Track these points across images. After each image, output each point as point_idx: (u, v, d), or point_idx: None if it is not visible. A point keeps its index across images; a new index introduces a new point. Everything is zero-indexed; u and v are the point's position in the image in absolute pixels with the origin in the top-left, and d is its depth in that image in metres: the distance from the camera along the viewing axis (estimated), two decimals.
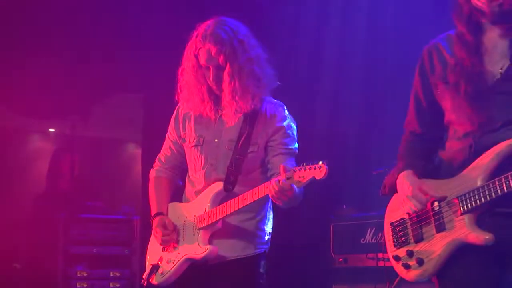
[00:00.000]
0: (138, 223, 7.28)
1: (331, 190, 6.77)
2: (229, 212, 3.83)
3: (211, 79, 3.90)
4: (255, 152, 3.94)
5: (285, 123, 3.97)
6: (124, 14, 7.10)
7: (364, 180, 6.65)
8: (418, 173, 3.17)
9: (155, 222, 4.05)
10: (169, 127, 4.22)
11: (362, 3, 7.00)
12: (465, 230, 2.94)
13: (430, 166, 3.21)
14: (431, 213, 3.06)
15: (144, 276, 4.04)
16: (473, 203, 2.92)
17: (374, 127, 6.85)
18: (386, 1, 6.83)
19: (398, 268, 3.15)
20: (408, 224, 3.16)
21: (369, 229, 6.00)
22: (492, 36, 3.06)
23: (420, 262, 3.05)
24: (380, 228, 5.83)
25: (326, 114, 7.07)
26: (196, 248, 3.91)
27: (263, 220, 4.02)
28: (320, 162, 3.48)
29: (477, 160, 2.96)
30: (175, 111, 4.20)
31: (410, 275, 3.10)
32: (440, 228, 3.02)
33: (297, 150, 3.99)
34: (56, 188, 7.65)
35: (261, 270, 3.99)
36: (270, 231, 4.07)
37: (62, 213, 7.02)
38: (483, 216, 2.93)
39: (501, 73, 2.99)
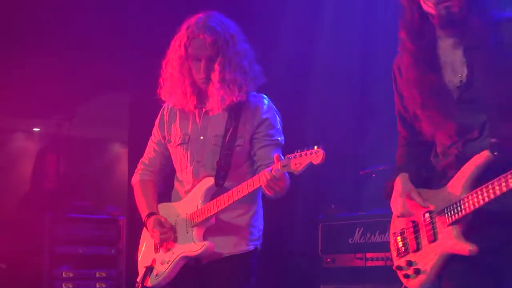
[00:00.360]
0: (124, 222, 7.22)
1: (319, 189, 6.75)
2: (224, 206, 3.80)
3: (201, 70, 3.90)
4: (241, 145, 3.93)
5: (269, 115, 3.98)
6: (112, 13, 7.05)
7: (353, 180, 6.61)
8: (412, 177, 3.19)
9: (151, 222, 4.00)
10: (153, 130, 4.20)
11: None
12: (452, 241, 2.98)
13: (424, 172, 3.23)
14: (423, 223, 3.09)
15: (138, 280, 4.00)
16: (456, 214, 2.95)
17: (363, 127, 6.84)
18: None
19: (401, 277, 3.20)
20: (407, 234, 3.19)
21: (358, 229, 5.97)
22: (446, 45, 3.06)
23: (417, 272, 3.10)
24: (368, 228, 5.90)
25: (315, 113, 7.05)
26: (192, 245, 3.88)
27: (255, 216, 4.01)
28: (316, 147, 3.47)
29: (459, 172, 2.99)
30: (160, 112, 4.19)
31: (411, 284, 3.14)
32: (432, 238, 3.06)
33: (283, 141, 3.99)
34: (41, 188, 7.55)
35: (253, 267, 3.97)
36: (262, 227, 4.05)
37: (48, 213, 6.94)
38: (470, 226, 2.96)
39: (461, 81, 3.01)
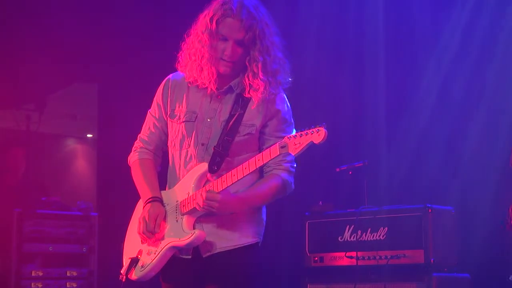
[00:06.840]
0: (96, 219, 7.00)
1: (306, 185, 6.58)
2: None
3: (229, 51, 3.65)
4: (253, 134, 3.70)
5: (282, 107, 3.76)
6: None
7: (339, 177, 6.45)
8: None
9: (153, 207, 3.71)
10: (153, 103, 3.91)
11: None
12: None
13: None
14: None
15: (122, 271, 3.74)
16: None
17: (356, 120, 6.74)
18: None
19: None
20: None
21: (348, 227, 5.82)
22: None
23: None
24: (359, 226, 5.73)
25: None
26: (181, 234, 3.63)
27: (261, 208, 3.80)
28: (318, 126, 3.30)
29: None
30: (164, 84, 3.89)
31: None
32: None
33: None
34: (9, 183, 7.33)
35: (256, 261, 3.74)
36: (265, 219, 3.83)
37: (16, 209, 6.69)
38: None
39: None
